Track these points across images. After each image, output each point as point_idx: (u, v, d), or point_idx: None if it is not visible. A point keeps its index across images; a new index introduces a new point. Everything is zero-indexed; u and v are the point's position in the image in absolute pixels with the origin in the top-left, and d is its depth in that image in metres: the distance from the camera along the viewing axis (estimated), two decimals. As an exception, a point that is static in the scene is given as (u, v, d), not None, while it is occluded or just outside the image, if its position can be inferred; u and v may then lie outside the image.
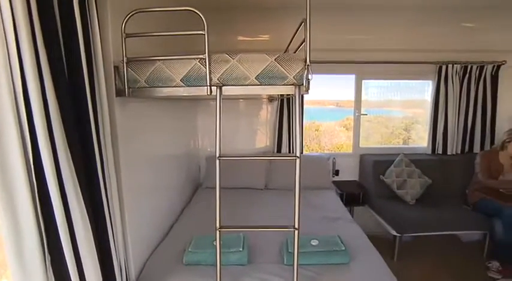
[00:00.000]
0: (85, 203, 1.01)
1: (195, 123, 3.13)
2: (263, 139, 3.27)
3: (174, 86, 1.30)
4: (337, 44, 3.00)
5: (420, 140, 3.48)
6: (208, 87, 1.26)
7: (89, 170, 1.08)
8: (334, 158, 3.12)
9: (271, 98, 3.08)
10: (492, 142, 3.12)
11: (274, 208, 2.32)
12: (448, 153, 3.12)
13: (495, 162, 2.56)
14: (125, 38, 1.25)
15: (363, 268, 1.51)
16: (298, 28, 1.48)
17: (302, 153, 3.01)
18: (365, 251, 1.68)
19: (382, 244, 2.81)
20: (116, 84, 1.34)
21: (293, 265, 1.29)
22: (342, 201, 2.81)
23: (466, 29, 3.11)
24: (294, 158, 1.26)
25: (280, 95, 2.87)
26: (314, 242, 1.61)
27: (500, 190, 2.28)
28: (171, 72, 1.28)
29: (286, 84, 1.26)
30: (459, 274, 2.41)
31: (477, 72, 3.11)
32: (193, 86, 1.29)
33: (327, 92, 3.43)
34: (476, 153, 2.91)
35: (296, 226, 1.26)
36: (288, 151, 3.06)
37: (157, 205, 1.91)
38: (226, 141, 3.17)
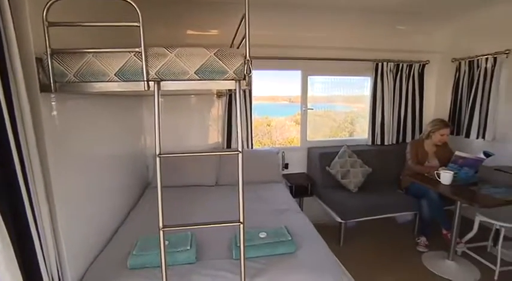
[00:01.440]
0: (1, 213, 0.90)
1: (141, 121, 2.98)
2: (215, 135, 3.23)
3: (109, 81, 1.22)
4: (283, 40, 3.09)
5: (363, 132, 3.74)
6: (146, 82, 1.20)
7: (6, 175, 0.97)
8: (283, 152, 3.22)
9: (219, 94, 3.06)
10: (420, 132, 3.50)
11: (224, 203, 2.32)
12: (385, 143, 3.42)
13: (422, 150, 2.87)
14: (47, 27, 1.13)
15: (309, 255, 1.59)
16: (240, 23, 1.48)
17: (251, 147, 3.11)
18: (311, 239, 1.77)
19: (329, 231, 2.99)
20: (39, 78, 1.21)
21: (240, 258, 1.30)
22: (292, 193, 2.91)
23: (399, 31, 3.43)
24: (236, 152, 1.26)
25: (228, 90, 2.88)
26: (262, 235, 1.65)
27: (426, 174, 2.56)
28: (104, 66, 1.19)
29: (227, 79, 1.26)
30: (395, 251, 2.67)
31: (407, 70, 3.44)
32: (130, 81, 1.22)
33: (280, 88, 3.51)
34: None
35: (241, 220, 1.27)
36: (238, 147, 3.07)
37: (98, 208, 1.78)
38: (178, 138, 3.11)
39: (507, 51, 2.82)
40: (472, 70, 3.14)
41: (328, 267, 1.50)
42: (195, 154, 1.15)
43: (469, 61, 3.17)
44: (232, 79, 1.26)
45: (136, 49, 1.17)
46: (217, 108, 3.19)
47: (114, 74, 1.20)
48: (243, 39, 1.39)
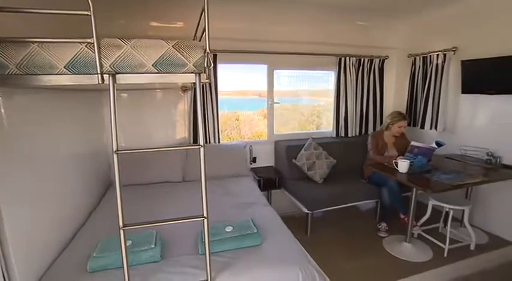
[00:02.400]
0: None
1: (102, 117, 2.83)
2: (182, 130, 3.16)
3: (58, 74, 1.13)
4: (249, 34, 3.08)
5: (329, 125, 3.85)
6: (99, 75, 1.14)
7: None
8: (251, 146, 3.24)
9: (184, 88, 2.99)
10: (381, 124, 3.68)
11: (192, 199, 2.27)
12: (349, 135, 3.56)
13: (381, 141, 3.03)
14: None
15: (274, 247, 1.62)
16: (201, 16, 1.45)
17: (219, 142, 3.08)
18: (277, 231, 1.80)
19: (297, 221, 3.07)
20: (-26, 69, 1.10)
21: (205, 253, 1.30)
22: (260, 186, 2.95)
23: (360, 27, 3.55)
24: (198, 147, 1.25)
25: (193, 84, 2.82)
26: (228, 229, 1.66)
27: (385, 164, 2.71)
28: (51, 58, 1.11)
29: (186, 72, 1.23)
30: (359, 238, 2.80)
31: (368, 64, 3.59)
32: (82, 74, 1.15)
33: (250, 82, 3.51)
34: (370, 134, 3.39)
35: (205, 215, 1.26)
36: (205, 142, 3.03)
37: (54, 210, 1.68)
38: (144, 134, 3.00)
39: (454, 49, 3.04)
40: (426, 65, 3.35)
41: (293, 257, 1.54)
42: (154, 150, 1.11)
43: (423, 57, 3.38)
44: (192, 72, 1.23)
45: (88, 40, 1.10)
46: (184, 103, 3.12)
47: (64, 67, 1.12)
48: (203, 32, 1.36)
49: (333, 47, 3.43)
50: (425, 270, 2.29)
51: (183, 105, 3.12)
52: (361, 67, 3.55)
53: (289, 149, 3.09)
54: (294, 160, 3.03)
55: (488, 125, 2.87)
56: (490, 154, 2.72)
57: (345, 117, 3.53)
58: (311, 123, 4.22)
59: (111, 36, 1.15)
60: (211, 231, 1.64)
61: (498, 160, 2.70)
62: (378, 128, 3.68)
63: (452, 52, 3.06)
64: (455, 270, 2.35)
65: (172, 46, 1.19)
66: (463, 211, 2.54)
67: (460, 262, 2.40)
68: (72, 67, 1.13)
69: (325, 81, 3.73)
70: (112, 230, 1.65)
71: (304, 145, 3.11)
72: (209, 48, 1.25)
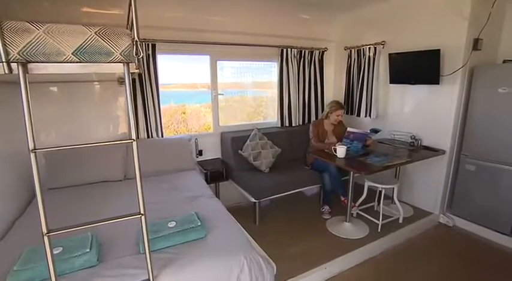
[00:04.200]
0: None
1: (20, 115, 2.49)
2: (124, 125, 2.96)
3: None
4: (191, 23, 2.98)
5: (275, 115, 3.95)
6: (5, 64, 0.99)
7: None
8: (196, 139, 3.17)
9: (121, 80, 2.79)
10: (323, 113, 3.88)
11: (133, 198, 2.14)
12: (293, 125, 3.70)
13: (322, 129, 3.21)
14: None
15: (219, 239, 1.62)
16: (130, 2, 1.34)
17: (162, 136, 2.95)
18: (222, 223, 1.80)
19: (245, 211, 3.12)
20: None
21: (145, 252, 1.24)
22: (207, 179, 2.92)
23: (302, 19, 3.67)
24: (130, 141, 1.18)
25: (131, 75, 2.64)
26: (171, 224, 1.61)
27: (326, 150, 2.88)
28: None
29: (113, 62, 1.14)
30: (305, 222, 2.95)
31: (309, 56, 3.73)
32: (-19, 63, 0.99)
33: (198, 75, 3.39)
34: (313, 123, 3.55)
35: (142, 212, 1.20)
36: (146, 136, 2.89)
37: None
38: (79, 131, 2.73)
39: (383, 43, 3.33)
40: (360, 58, 3.61)
41: (237, 246, 1.56)
42: (78, 146, 1.00)
43: (357, 50, 3.63)
44: (120, 62, 1.14)
45: (-13, 22, 0.95)
46: (125, 96, 2.91)
47: (-43, 54, 0.96)
48: (128, 18, 1.27)
49: (275, 38, 3.49)
50: (363, 245, 2.51)
51: (124, 99, 2.91)
52: (302, 58, 3.68)
53: (234, 140, 3.10)
54: (240, 151, 3.05)
55: (412, 111, 3.22)
56: (413, 137, 3.06)
57: (288, 107, 3.64)
58: (259, 114, 4.27)
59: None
60: (153, 228, 1.59)
61: (419, 142, 3.05)
62: (320, 117, 3.88)
63: (381, 46, 3.34)
64: (387, 242, 2.63)
65: (96, 33, 1.09)
66: (393, 189, 2.83)
67: (391, 234, 2.69)
68: (-31, 55, 0.97)
69: (268, 72, 3.79)
70: (39, 240, 1.50)
71: (249, 135, 3.14)
72: (138, 36, 1.17)
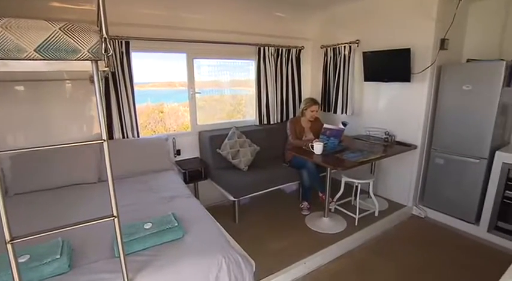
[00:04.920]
0: None
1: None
2: (98, 126, 2.84)
3: None
4: (167, 21, 2.92)
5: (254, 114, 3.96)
6: (-41, 61, 0.93)
7: None
8: (174, 138, 3.12)
9: (92, 78, 2.67)
10: (300, 110, 3.94)
11: (108, 200, 2.10)
12: (271, 122, 3.72)
13: (299, 126, 3.26)
14: None
15: (197, 238, 1.60)
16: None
17: (138, 136, 2.87)
18: (200, 222, 1.79)
19: (225, 210, 3.11)
20: None
21: (119, 255, 1.21)
22: (186, 179, 2.89)
23: (278, 18, 3.69)
24: (101, 141, 1.14)
25: (104, 73, 2.55)
26: (147, 226, 1.58)
27: (304, 147, 2.92)
28: None
29: (80, 60, 1.09)
30: (284, 219, 2.98)
31: (286, 54, 3.77)
32: None
33: (177, 73, 3.32)
34: (290, 121, 3.59)
35: (115, 214, 1.17)
36: (121, 136, 2.80)
37: None
38: (52, 132, 2.60)
39: (357, 41, 3.41)
40: (336, 56, 3.68)
41: (215, 245, 1.55)
42: (42, 148, 0.95)
43: (333, 48, 3.70)
44: (88, 59, 1.10)
45: None
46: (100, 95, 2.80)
47: None
48: (98, 14, 1.22)
49: (252, 36, 3.49)
50: (341, 239, 2.58)
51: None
52: (279, 57, 3.70)
53: (213, 139, 3.07)
54: (218, 150, 3.03)
55: (385, 108, 3.33)
56: (387, 133, 3.17)
57: (266, 105, 3.66)
58: (239, 113, 4.27)
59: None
60: (128, 230, 1.55)
61: (393, 137, 3.17)
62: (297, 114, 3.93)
63: (356, 44, 3.43)
64: (364, 235, 2.71)
65: (60, 29, 1.04)
66: (369, 183, 2.92)
67: (368, 227, 2.77)
68: None
69: (246, 70, 3.79)
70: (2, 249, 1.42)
71: (228, 134, 3.13)
72: (107, 33, 1.13)
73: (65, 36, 1.05)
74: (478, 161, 2.67)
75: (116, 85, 2.73)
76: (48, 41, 1.03)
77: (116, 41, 2.64)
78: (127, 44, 2.71)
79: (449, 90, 2.81)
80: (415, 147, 3.04)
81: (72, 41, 1.06)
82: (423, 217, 3.12)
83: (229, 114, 3.93)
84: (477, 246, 2.62)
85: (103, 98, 2.65)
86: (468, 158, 2.73)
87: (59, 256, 1.35)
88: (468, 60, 2.86)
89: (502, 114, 2.61)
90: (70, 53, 1.07)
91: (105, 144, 1.14)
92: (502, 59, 2.50)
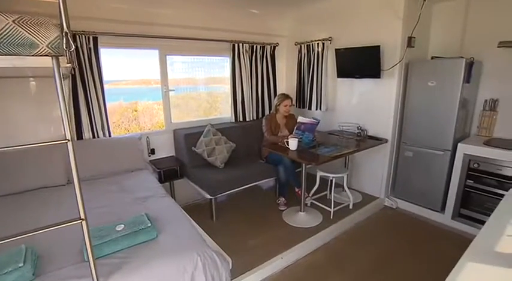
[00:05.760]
0: None
1: None
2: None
3: None
4: (137, 16, 2.83)
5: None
6: None
7: None
8: (147, 137, 3.04)
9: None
10: (276, 107, 3.97)
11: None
12: (247, 119, 3.72)
13: (274, 122, 3.28)
14: None
15: (171, 238, 1.58)
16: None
17: (109, 135, 2.76)
18: (175, 221, 1.76)
19: (202, 208, 3.09)
20: None
21: (89, 260, 1.17)
22: (161, 178, 2.83)
23: (252, 14, 3.68)
24: (65, 141, 1.08)
25: (72, 70, 2.42)
26: (119, 227, 1.53)
27: (279, 143, 2.95)
28: None
29: (39, 55, 1.03)
30: (262, 215, 3.00)
31: (261, 51, 3.77)
32: None
33: (151, 71, 3.21)
34: (267, 117, 3.61)
35: (82, 217, 1.12)
36: (91, 136, 2.69)
37: None
38: (14, 133, 2.43)
39: (330, 38, 3.48)
40: (310, 53, 3.74)
41: (191, 245, 1.53)
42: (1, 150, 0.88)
43: (307, 45, 3.75)
44: (47, 55, 1.04)
45: None
46: (66, 94, 2.65)
47: None
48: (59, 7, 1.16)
49: (227, 33, 3.46)
50: (317, 232, 2.63)
51: (68, 97, 2.65)
52: (254, 53, 3.70)
53: (187, 137, 3.03)
54: (193, 148, 2.99)
55: (358, 104, 3.42)
56: (359, 127, 3.27)
57: (242, 102, 3.65)
58: (216, 110, 4.24)
59: None
60: (99, 233, 1.50)
61: (365, 132, 3.27)
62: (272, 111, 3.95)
63: (329, 41, 3.50)
64: (339, 227, 2.79)
65: (14, 21, 0.97)
66: (343, 177, 3.00)
67: (343, 219, 2.85)
68: None
69: (222, 67, 3.75)
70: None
71: (203, 132, 3.09)
72: (68, 27, 1.07)
73: (20, 29, 0.98)
74: (442, 153, 2.82)
75: (84, 83, 2.61)
76: (2, 35, 0.96)
77: (83, 36, 2.52)
78: (95, 39, 2.60)
79: (416, 86, 2.94)
80: (386, 141, 3.16)
81: (29, 35, 1.00)
82: (394, 207, 3.26)
83: (206, 111, 3.89)
84: (442, 232, 2.78)
85: (70, 96, 2.58)
86: (434, 150, 2.88)
87: (22, 264, 1.27)
88: (433, 58, 3.00)
89: (463, 109, 2.77)
90: (27, 47, 1.00)
91: (69, 144, 1.08)
92: (461, 57, 2.65)
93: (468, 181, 2.70)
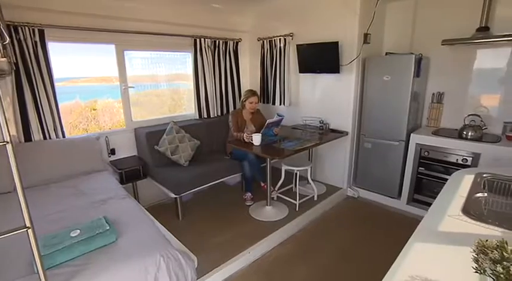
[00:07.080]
0: None
1: None
2: (11, 127, 2.47)
3: None
4: (89, 8, 2.65)
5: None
6: None
7: None
8: (106, 137, 2.89)
9: (1, 73, 2.32)
10: (240, 103, 3.97)
11: (33, 211, 1.86)
12: (211, 116, 3.68)
13: (241, 118, 3.28)
14: None
15: (132, 240, 1.52)
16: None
17: (63, 136, 2.57)
18: (136, 223, 1.70)
19: (168, 208, 3.02)
20: None
21: (38, 271, 1.09)
22: (122, 179, 2.71)
23: (215, 9, 3.62)
24: (4, 143, 1.00)
25: (13, 67, 2.22)
26: (74, 233, 1.44)
27: (245, 139, 2.95)
28: None
29: (-34, 49, 0.93)
30: (229, 211, 3.00)
31: (224, 46, 3.73)
32: None
33: (111, 67, 3.01)
34: (231, 113, 3.59)
35: (27, 225, 1.04)
36: (42, 137, 2.50)
37: None
38: None
39: (291, 34, 3.54)
40: (272, 48, 3.77)
41: (153, 246, 1.49)
42: None
43: (270, 41, 3.78)
44: (-24, 49, 0.95)
45: None
46: (8, 93, 2.41)
47: None
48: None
49: (188, 28, 3.38)
50: (283, 225, 2.69)
51: (8, 95, 2.42)
52: (217, 49, 3.66)
53: (149, 135, 2.92)
54: (156, 147, 2.89)
55: (320, 98, 3.53)
56: (321, 121, 3.38)
57: (205, 98, 3.60)
58: (181, 107, 4.14)
59: None
60: (52, 241, 1.41)
61: (327, 125, 3.39)
62: (238, 107, 3.94)
63: (290, 37, 3.55)
64: (305, 219, 2.87)
65: None
66: (307, 170, 3.08)
67: (308, 211, 2.94)
68: None
69: (183, 63, 3.66)
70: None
71: (165, 129, 3.01)
72: (2, 18, 0.98)
73: None
74: (397, 143, 3.01)
75: (30, 80, 2.40)
76: None
77: (27, 28, 2.31)
78: (41, 32, 2.40)
79: (373, 80, 3.09)
80: (347, 133, 3.29)
81: (-46, 27, 0.90)
82: (356, 197, 3.42)
83: (171, 109, 3.78)
84: (399, 217, 2.99)
85: (14, 93, 2.36)
86: (390, 141, 3.06)
87: (-40, 280, 1.16)
88: (387, 54, 3.17)
89: (414, 101, 2.97)
90: (-49, 41, 0.90)
91: (8, 146, 0.99)
92: (412, 53, 2.84)
93: (420, 168, 2.91)
